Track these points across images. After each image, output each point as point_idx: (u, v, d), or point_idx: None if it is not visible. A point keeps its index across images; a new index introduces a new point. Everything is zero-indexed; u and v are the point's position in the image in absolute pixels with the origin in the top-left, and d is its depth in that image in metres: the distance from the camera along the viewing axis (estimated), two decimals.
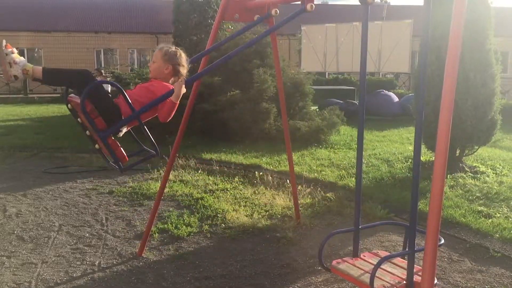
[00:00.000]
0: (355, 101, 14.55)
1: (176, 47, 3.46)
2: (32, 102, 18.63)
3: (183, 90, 3.15)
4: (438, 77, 6.59)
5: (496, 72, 6.71)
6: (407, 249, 3.01)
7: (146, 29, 28.78)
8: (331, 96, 15.05)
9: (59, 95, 20.84)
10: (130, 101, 3.07)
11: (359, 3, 3.20)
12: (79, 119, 3.24)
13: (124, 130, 3.29)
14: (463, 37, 6.35)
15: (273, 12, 4.10)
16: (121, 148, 3.18)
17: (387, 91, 15.35)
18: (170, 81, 3.35)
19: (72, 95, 3.28)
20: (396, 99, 14.75)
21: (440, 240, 3.12)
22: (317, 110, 11.64)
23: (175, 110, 3.18)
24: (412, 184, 2.77)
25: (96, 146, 3.32)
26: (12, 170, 7.89)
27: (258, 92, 9.65)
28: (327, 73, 19.76)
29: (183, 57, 3.40)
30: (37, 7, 29.36)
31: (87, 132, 3.28)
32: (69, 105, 3.29)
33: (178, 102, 3.15)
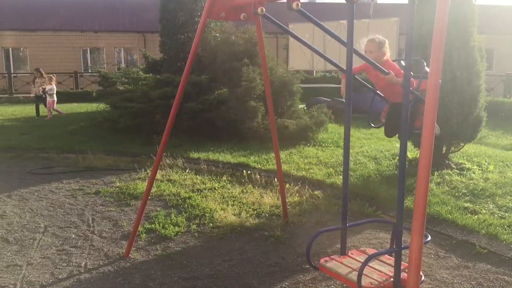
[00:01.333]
0: (342, 99, 14.59)
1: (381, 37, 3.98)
2: (17, 102, 18.39)
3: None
4: None
5: (481, 70, 6.76)
6: (394, 247, 3.02)
7: (133, 28, 28.57)
8: (318, 94, 15.08)
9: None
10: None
11: (345, 2, 3.20)
12: None
13: None
14: (449, 35, 6.43)
15: (259, 10, 4.07)
16: None
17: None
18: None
19: None
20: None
21: (426, 236, 3.14)
22: (305, 108, 11.66)
23: None
24: (398, 182, 2.78)
25: None
26: None
27: (246, 90, 9.64)
28: (314, 71, 19.78)
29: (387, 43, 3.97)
30: (22, 6, 28.99)
31: None
32: None
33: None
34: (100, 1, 31.88)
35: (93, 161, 8.27)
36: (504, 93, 16.54)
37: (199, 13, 12.48)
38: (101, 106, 12.71)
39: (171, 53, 12.18)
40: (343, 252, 3.26)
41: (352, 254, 3.26)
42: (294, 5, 3.65)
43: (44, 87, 14.35)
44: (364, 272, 2.87)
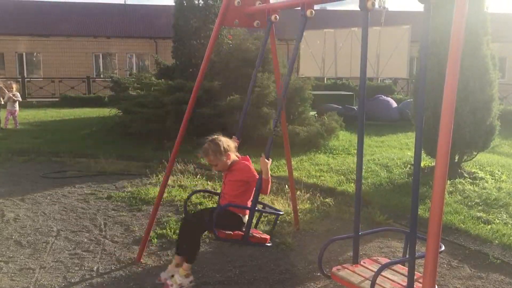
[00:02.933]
0: (353, 106, 14.57)
1: (210, 139, 3.89)
2: (30, 107, 18.57)
3: (267, 162, 3.50)
4: (438, 82, 6.61)
5: (494, 78, 6.72)
6: (407, 256, 3.00)
7: (145, 34, 28.80)
8: (329, 101, 15.06)
9: (57, 99, 20.86)
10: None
11: (359, 9, 3.20)
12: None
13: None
14: (464, 43, 6.39)
15: (272, 18, 4.10)
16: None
17: (385, 96, 15.38)
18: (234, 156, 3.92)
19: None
20: (394, 104, 14.77)
21: (440, 247, 3.11)
22: (316, 115, 11.65)
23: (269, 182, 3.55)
24: (412, 190, 2.76)
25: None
26: (10, 174, 7.86)
27: (258, 96, 9.66)
28: (325, 78, 19.78)
29: (223, 140, 3.86)
30: (35, 11, 29.38)
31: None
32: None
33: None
34: (112, 7, 32.25)
35: (105, 166, 8.32)
36: None
37: (212, 20, 12.58)
38: (113, 111, 12.81)
39: (184, 58, 12.26)
40: (355, 260, 3.24)
41: (365, 263, 3.25)
42: (308, 13, 3.68)
43: (13, 93, 13.23)
44: (376, 281, 2.86)
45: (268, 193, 3.69)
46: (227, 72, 10.60)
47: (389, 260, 3.30)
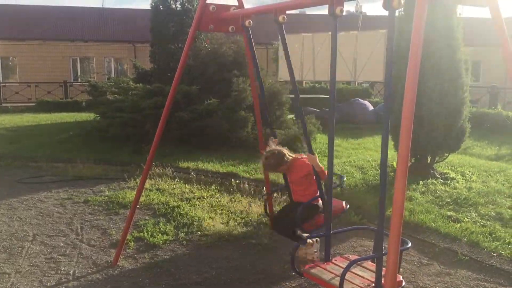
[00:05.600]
0: None
1: (269, 153, 4.19)
2: (6, 111, 18.28)
3: (313, 157, 3.95)
4: None
5: (466, 82, 6.92)
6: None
7: (123, 38, 28.57)
8: (307, 104, 15.22)
9: (33, 104, 20.54)
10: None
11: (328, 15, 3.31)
12: None
13: None
14: (439, 49, 6.58)
15: (246, 23, 4.19)
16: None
17: (362, 100, 15.61)
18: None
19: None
20: (371, 107, 15.01)
21: (407, 243, 3.24)
22: (294, 119, 11.78)
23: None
24: (380, 189, 2.87)
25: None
26: None
27: (236, 100, 9.74)
28: (304, 81, 19.94)
29: (282, 152, 4.17)
30: (11, 15, 28.86)
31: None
32: None
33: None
34: (90, 10, 31.91)
35: (82, 170, 8.29)
36: (489, 104, 16.81)
37: (189, 24, 12.63)
38: (92, 115, 12.74)
39: (161, 63, 12.27)
40: (327, 258, 3.35)
41: (336, 260, 3.35)
42: (280, 19, 3.77)
43: None
44: (347, 277, 2.96)
45: (326, 177, 3.94)
46: (204, 77, 10.66)
47: (358, 257, 3.41)
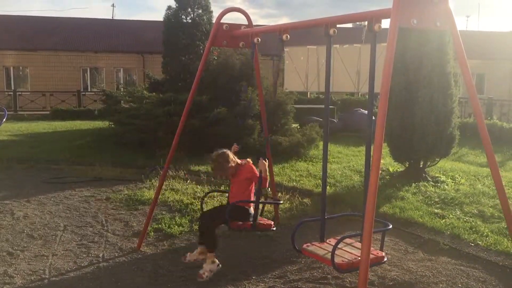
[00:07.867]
0: (334, 119, 15.39)
1: (214, 154, 4.67)
2: (22, 119, 19.05)
3: (264, 163, 4.37)
4: (405, 98, 7.45)
5: (455, 93, 7.55)
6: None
7: (133, 49, 29.37)
8: (312, 114, 15.87)
9: (47, 112, 21.32)
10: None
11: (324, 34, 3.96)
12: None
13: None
14: (431, 63, 7.20)
15: (255, 40, 4.84)
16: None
17: (364, 110, 16.24)
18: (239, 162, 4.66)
19: None
20: (372, 117, 15.62)
21: (388, 225, 3.85)
22: (298, 127, 12.42)
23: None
24: (364, 182, 3.49)
25: None
26: (12, 180, 8.44)
27: (243, 109, 10.40)
28: (308, 92, 20.63)
29: (226, 153, 4.61)
30: (23, 26, 29.75)
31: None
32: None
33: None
34: (100, 22, 32.79)
35: (101, 172, 8.95)
36: (485, 115, 17.42)
37: (199, 37, 13.37)
38: (105, 123, 13.47)
39: (173, 73, 13.00)
40: (322, 239, 3.97)
41: (330, 241, 3.97)
42: (284, 37, 4.43)
43: None
44: (338, 253, 3.58)
45: (267, 186, 4.54)
46: (214, 87, 11.35)
47: (345, 235, 4.00)
